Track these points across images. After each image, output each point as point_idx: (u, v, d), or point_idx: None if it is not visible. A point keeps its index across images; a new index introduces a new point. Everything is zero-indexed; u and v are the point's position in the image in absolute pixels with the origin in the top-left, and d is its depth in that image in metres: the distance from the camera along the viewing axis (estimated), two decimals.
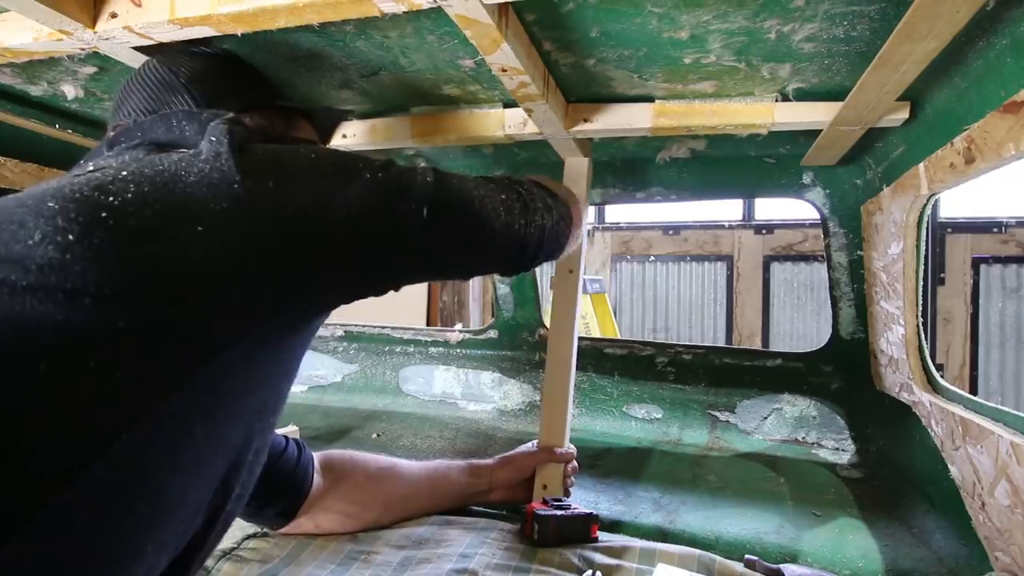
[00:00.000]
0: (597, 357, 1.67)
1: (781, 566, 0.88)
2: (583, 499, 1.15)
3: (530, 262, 0.82)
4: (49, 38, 0.79)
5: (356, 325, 1.95)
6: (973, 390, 4.40)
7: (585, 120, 1.08)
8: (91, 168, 0.59)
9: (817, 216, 1.35)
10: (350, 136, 1.21)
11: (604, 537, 0.99)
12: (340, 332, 1.97)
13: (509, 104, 1.10)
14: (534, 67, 0.87)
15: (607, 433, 1.60)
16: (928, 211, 1.04)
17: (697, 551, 0.93)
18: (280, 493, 0.92)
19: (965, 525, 0.94)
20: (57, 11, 0.72)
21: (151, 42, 0.79)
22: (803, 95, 0.98)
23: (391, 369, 1.91)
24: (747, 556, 0.91)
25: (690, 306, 5.19)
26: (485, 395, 1.79)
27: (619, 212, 5.15)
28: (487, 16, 0.69)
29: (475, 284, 4.56)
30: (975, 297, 4.44)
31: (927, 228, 1.07)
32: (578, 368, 1.23)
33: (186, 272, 0.52)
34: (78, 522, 0.47)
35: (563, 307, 1.23)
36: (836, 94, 0.95)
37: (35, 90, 1.07)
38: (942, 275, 4.46)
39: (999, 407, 0.89)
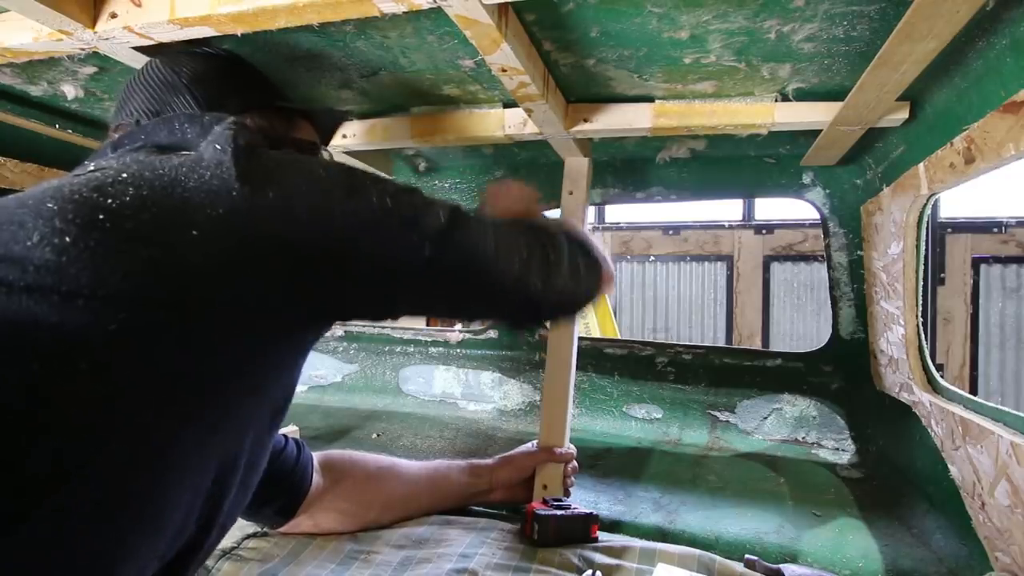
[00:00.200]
0: (597, 357, 1.67)
1: (781, 566, 0.88)
2: (583, 499, 1.15)
3: (542, 322, 0.80)
4: (49, 38, 0.79)
5: (356, 325, 1.95)
6: (973, 390, 4.40)
7: (585, 120, 1.08)
8: (92, 168, 0.59)
9: (817, 216, 1.35)
10: (350, 136, 1.21)
11: (604, 537, 0.99)
12: (340, 332, 1.97)
13: (509, 104, 1.10)
14: (534, 67, 0.87)
15: (607, 433, 1.60)
16: (928, 211, 1.04)
17: (697, 551, 0.93)
18: (278, 492, 0.92)
19: (965, 525, 0.94)
20: (57, 11, 0.72)
21: (151, 42, 0.79)
22: (803, 95, 0.98)
23: (391, 369, 1.91)
24: (747, 556, 0.91)
25: (690, 306, 5.19)
26: (485, 395, 1.79)
27: (619, 212, 5.15)
28: (487, 16, 0.69)
29: None
30: (975, 297, 4.44)
31: (927, 228, 1.07)
32: (578, 368, 1.23)
33: (181, 276, 0.52)
34: (72, 522, 0.47)
35: None
36: (836, 94, 0.95)
37: (35, 90, 1.07)
38: (942, 275, 4.46)
39: (999, 407, 0.89)
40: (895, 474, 1.24)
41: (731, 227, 5.03)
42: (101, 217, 0.51)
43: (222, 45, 0.90)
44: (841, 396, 1.45)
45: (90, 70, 0.98)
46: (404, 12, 0.69)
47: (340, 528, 0.98)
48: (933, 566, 0.94)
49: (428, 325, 2.17)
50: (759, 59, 0.87)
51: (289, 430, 1.35)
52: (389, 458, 1.07)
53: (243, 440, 0.61)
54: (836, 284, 1.36)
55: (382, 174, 0.70)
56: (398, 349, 1.91)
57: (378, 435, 1.59)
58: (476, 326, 1.77)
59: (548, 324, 0.79)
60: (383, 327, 1.90)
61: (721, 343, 4.97)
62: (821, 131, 1.03)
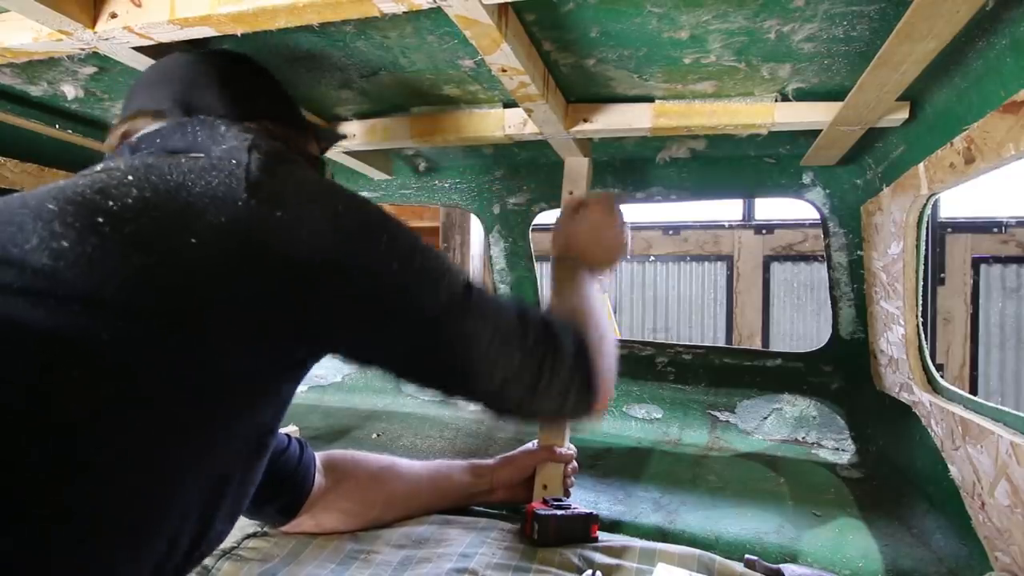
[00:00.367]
0: None
1: (781, 566, 0.88)
2: (583, 499, 1.15)
3: (508, 422, 0.73)
4: (49, 38, 0.79)
5: None
6: (973, 390, 4.39)
7: (585, 120, 1.08)
8: (99, 169, 0.58)
9: (817, 216, 1.35)
10: (350, 136, 1.21)
11: (604, 537, 0.99)
12: None
13: (509, 104, 1.10)
14: (534, 67, 0.87)
15: (607, 433, 1.60)
16: (928, 211, 1.04)
17: (697, 551, 0.93)
18: (281, 491, 0.92)
19: (965, 525, 0.94)
20: (57, 11, 0.72)
21: (151, 42, 0.79)
22: (803, 95, 0.98)
23: None
24: (747, 556, 0.91)
25: (690, 306, 5.19)
26: None
27: None
28: (487, 16, 0.69)
29: None
30: (975, 297, 4.44)
31: (927, 228, 1.07)
32: None
33: (176, 285, 0.51)
34: (72, 525, 0.47)
35: None
36: (836, 94, 0.95)
37: (35, 90, 1.07)
38: (942, 275, 4.46)
39: (999, 407, 0.89)
40: (895, 474, 1.24)
41: (731, 227, 5.03)
42: (100, 220, 0.50)
43: (222, 45, 0.90)
44: (841, 396, 1.45)
45: (90, 70, 0.98)
46: (404, 12, 0.69)
47: (342, 527, 0.98)
48: (933, 566, 0.94)
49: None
50: (759, 59, 0.87)
51: (289, 430, 1.35)
52: (390, 458, 1.07)
53: (235, 458, 0.60)
54: (836, 284, 1.36)
55: (407, 227, 0.66)
56: None
57: (378, 435, 1.59)
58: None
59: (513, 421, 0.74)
60: None
61: (721, 343, 4.97)
62: (821, 131, 1.03)
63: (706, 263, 5.11)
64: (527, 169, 1.49)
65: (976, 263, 4.44)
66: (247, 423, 0.61)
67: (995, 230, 4.43)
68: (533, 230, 1.59)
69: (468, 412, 1.77)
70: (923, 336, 1.14)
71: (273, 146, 0.63)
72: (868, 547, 0.99)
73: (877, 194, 1.15)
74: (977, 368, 4.45)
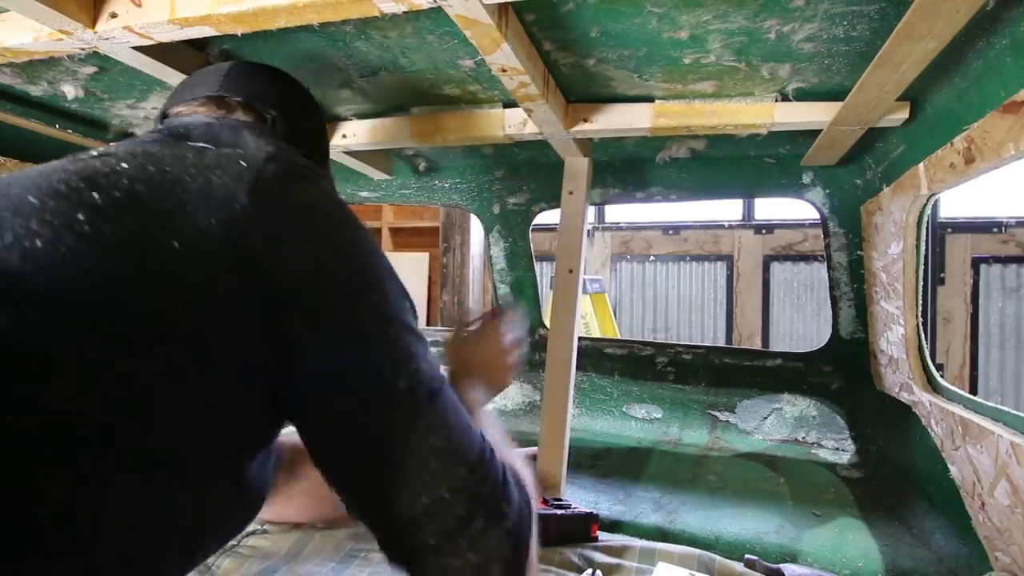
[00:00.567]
0: (597, 357, 1.67)
1: (781, 566, 0.88)
2: (583, 499, 1.15)
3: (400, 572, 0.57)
4: (49, 38, 0.79)
5: None
6: (973, 390, 4.39)
7: (585, 120, 1.08)
8: (95, 153, 0.54)
9: (817, 216, 1.35)
10: (350, 136, 1.21)
11: (604, 536, 0.99)
12: None
13: (509, 104, 1.10)
14: (534, 67, 0.87)
15: (607, 433, 1.60)
16: (928, 211, 1.04)
17: (697, 551, 0.93)
18: None
19: (965, 525, 0.94)
20: (57, 11, 0.72)
21: (151, 42, 0.79)
22: (803, 95, 0.98)
23: None
24: (747, 556, 0.92)
25: (690, 306, 5.19)
26: None
27: (619, 212, 5.15)
28: (487, 16, 0.69)
29: (475, 284, 4.56)
30: (975, 297, 4.43)
31: (927, 228, 1.07)
32: (578, 368, 1.23)
33: (145, 297, 0.46)
34: (64, 534, 0.42)
35: (563, 307, 1.23)
36: (836, 94, 0.95)
37: (35, 90, 1.07)
38: (942, 275, 4.45)
39: (999, 407, 0.89)
40: (895, 474, 1.24)
41: (731, 227, 5.02)
42: (80, 217, 0.46)
43: (222, 45, 0.90)
44: (841, 396, 1.45)
45: (90, 70, 0.98)
46: (404, 12, 0.69)
47: (300, 519, 0.96)
48: (933, 566, 0.94)
49: (428, 325, 2.16)
50: (759, 59, 0.87)
51: (289, 430, 1.34)
52: None
53: (201, 501, 0.51)
54: (836, 284, 1.36)
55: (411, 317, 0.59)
56: None
57: None
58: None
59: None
60: None
61: (721, 343, 4.97)
62: (821, 131, 1.03)
63: (706, 263, 5.11)
64: (527, 169, 1.50)
65: (976, 263, 4.44)
66: (215, 460, 0.52)
67: (995, 230, 4.43)
68: (533, 230, 1.59)
69: None
70: (923, 336, 1.14)
71: (295, 161, 0.59)
72: (868, 547, 0.99)
73: (877, 194, 1.15)
74: (977, 368, 4.45)
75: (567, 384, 1.17)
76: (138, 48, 0.83)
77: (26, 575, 0.39)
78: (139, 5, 0.74)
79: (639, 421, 1.61)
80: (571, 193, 1.26)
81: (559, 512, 0.97)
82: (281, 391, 0.53)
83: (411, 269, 4.79)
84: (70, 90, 1.05)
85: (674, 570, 0.85)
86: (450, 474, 0.53)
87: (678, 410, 1.59)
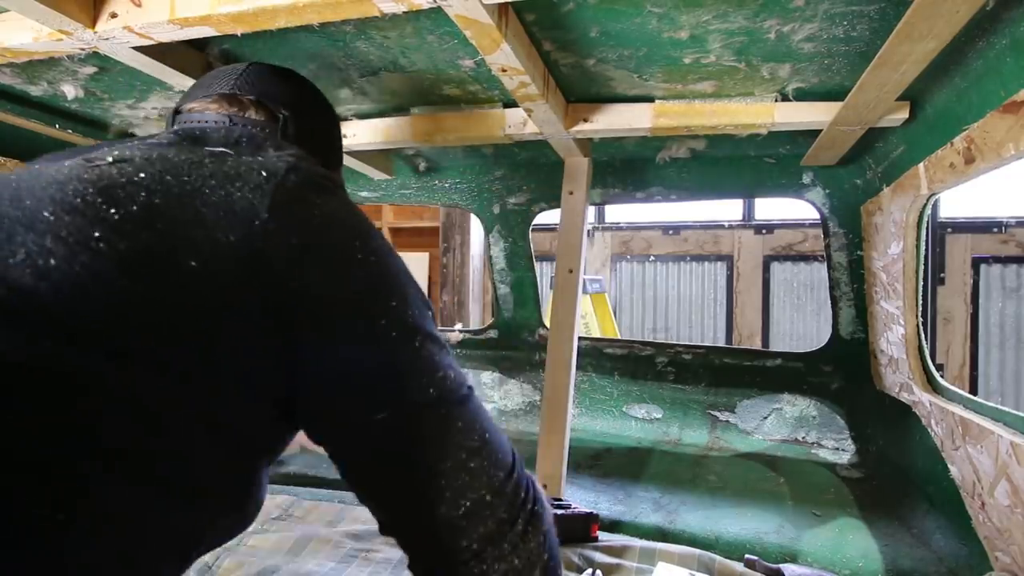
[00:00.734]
0: (597, 357, 1.67)
1: (781, 566, 0.88)
2: (583, 499, 1.15)
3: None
4: (49, 38, 0.79)
5: None
6: (973, 390, 4.39)
7: (585, 120, 1.08)
8: (110, 160, 0.52)
9: (817, 216, 1.35)
10: (350, 136, 1.21)
11: (604, 536, 0.99)
12: None
13: (509, 104, 1.10)
14: (534, 67, 0.87)
15: (607, 433, 1.60)
16: (928, 211, 1.04)
17: (697, 551, 0.93)
18: None
19: (965, 525, 0.94)
20: (57, 11, 0.72)
21: (151, 42, 0.79)
22: (803, 95, 0.98)
23: None
24: (747, 556, 0.92)
25: (690, 306, 5.19)
26: (485, 395, 1.79)
27: (619, 212, 5.15)
28: (487, 16, 0.69)
29: (475, 284, 4.56)
30: (975, 297, 4.43)
31: (927, 228, 1.07)
32: (578, 368, 1.23)
33: (161, 312, 0.46)
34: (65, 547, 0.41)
35: (563, 307, 1.23)
36: (836, 94, 0.95)
37: (35, 90, 1.07)
38: (942, 275, 4.46)
39: (999, 407, 0.89)
40: (895, 474, 1.24)
41: (731, 227, 5.02)
42: (96, 235, 0.46)
43: (222, 45, 0.90)
44: (841, 396, 1.45)
45: (90, 70, 0.98)
46: (404, 12, 0.69)
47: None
48: (933, 566, 0.94)
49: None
50: (759, 59, 0.87)
51: None
52: None
53: (203, 531, 0.52)
54: (836, 284, 1.36)
55: (429, 323, 0.59)
56: None
57: None
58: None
59: None
60: None
61: (721, 343, 4.97)
62: (821, 131, 1.03)
63: (706, 263, 5.11)
64: (527, 169, 1.50)
65: (976, 263, 4.44)
66: (225, 472, 0.52)
67: (995, 230, 4.43)
68: (533, 230, 1.59)
69: None
70: (923, 336, 1.14)
71: (315, 172, 0.58)
72: (868, 547, 0.99)
73: (877, 194, 1.15)
74: (977, 368, 4.45)
75: (567, 384, 1.17)
76: (138, 48, 0.83)
77: (26, 575, 0.40)
78: (139, 5, 0.74)
79: (639, 421, 1.61)
80: (571, 193, 1.26)
81: (559, 512, 0.97)
82: (298, 404, 0.52)
83: (411, 269, 4.79)
84: (70, 90, 1.05)
85: (674, 570, 0.85)
86: (490, 476, 0.52)
87: (678, 410, 1.59)
